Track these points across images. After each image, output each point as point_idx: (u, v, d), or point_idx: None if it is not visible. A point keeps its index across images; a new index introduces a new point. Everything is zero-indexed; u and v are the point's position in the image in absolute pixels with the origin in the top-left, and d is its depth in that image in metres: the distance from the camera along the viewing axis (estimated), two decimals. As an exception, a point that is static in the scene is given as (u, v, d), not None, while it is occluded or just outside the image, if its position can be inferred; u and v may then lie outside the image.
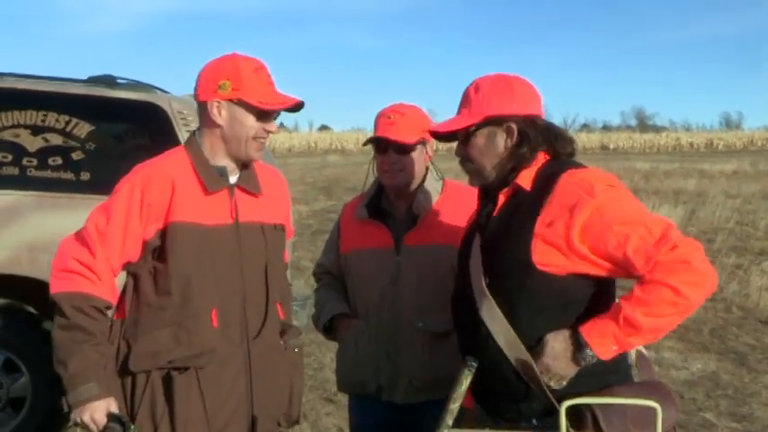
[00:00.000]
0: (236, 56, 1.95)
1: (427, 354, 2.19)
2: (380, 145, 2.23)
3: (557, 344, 1.62)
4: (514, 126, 1.73)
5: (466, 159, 1.80)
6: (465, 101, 1.80)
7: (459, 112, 1.81)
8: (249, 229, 1.96)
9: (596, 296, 1.66)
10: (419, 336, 2.20)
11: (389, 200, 2.31)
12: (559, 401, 1.57)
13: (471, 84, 1.81)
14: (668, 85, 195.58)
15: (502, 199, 1.76)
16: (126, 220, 1.86)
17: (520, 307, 1.66)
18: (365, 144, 2.31)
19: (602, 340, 1.58)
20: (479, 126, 1.75)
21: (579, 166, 1.72)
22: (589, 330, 1.60)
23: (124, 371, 1.86)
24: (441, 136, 1.86)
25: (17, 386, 3.70)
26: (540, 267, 1.63)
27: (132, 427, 1.77)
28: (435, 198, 2.28)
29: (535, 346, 1.64)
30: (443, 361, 2.13)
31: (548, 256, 1.63)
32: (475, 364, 1.56)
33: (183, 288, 1.85)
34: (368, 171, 2.37)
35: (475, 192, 2.18)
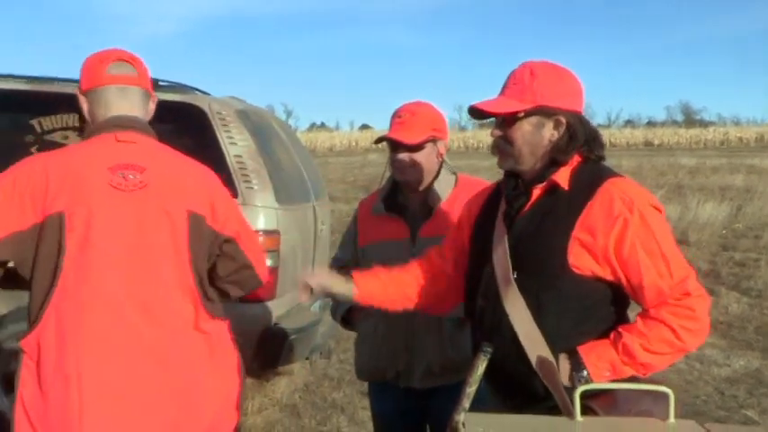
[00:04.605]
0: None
1: (444, 339, 2.28)
2: (392, 144, 2.32)
3: (562, 362, 1.67)
4: (564, 120, 1.72)
5: (506, 141, 1.76)
6: (515, 83, 1.75)
7: (505, 93, 1.77)
8: None
9: (616, 302, 1.70)
10: (435, 322, 2.27)
11: (405, 194, 2.40)
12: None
13: (523, 66, 1.77)
14: (716, 80, 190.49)
15: (536, 194, 1.75)
16: None
17: (548, 305, 1.68)
18: (377, 142, 2.42)
19: (599, 363, 1.63)
20: (529, 113, 1.72)
21: (616, 174, 1.74)
22: (587, 352, 1.65)
23: None
24: (482, 114, 1.79)
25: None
26: (574, 270, 1.66)
27: None
28: (449, 191, 2.36)
29: (559, 343, 1.67)
30: (460, 345, 2.22)
31: (582, 259, 1.66)
32: (490, 350, 1.60)
33: None
34: (385, 168, 2.48)
35: (486, 185, 2.18)
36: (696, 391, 4.73)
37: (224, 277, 1.92)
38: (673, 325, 1.60)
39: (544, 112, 1.73)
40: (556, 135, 1.73)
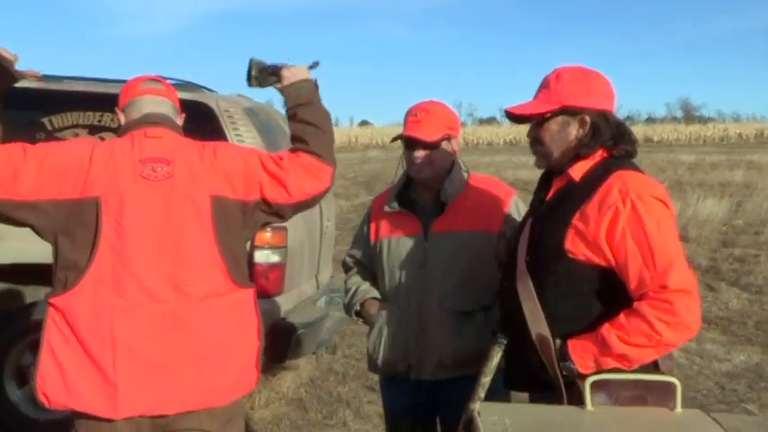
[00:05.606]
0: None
1: (455, 332, 2.33)
2: (408, 142, 2.37)
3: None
4: (588, 118, 1.83)
5: (537, 142, 1.91)
6: (544, 87, 1.89)
7: (536, 97, 1.91)
8: None
9: (616, 291, 1.75)
10: (447, 316, 2.34)
11: (417, 190, 2.46)
12: (567, 383, 1.70)
13: (552, 71, 1.90)
14: (716, 76, 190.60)
15: (556, 186, 1.88)
16: None
17: (548, 287, 1.79)
18: (393, 140, 2.47)
19: (583, 354, 1.72)
20: (555, 113, 1.85)
21: (632, 168, 1.82)
22: (574, 344, 1.73)
23: None
24: (514, 117, 1.94)
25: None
26: (570, 255, 1.75)
27: None
28: (461, 188, 2.41)
29: (558, 325, 1.76)
30: (470, 338, 2.30)
31: (577, 245, 1.75)
32: (504, 341, 1.67)
33: None
34: (398, 165, 2.53)
35: (498, 183, 2.34)
36: (697, 385, 4.78)
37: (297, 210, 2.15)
38: (649, 317, 1.66)
39: (569, 111, 1.84)
40: (582, 132, 1.84)
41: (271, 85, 2.18)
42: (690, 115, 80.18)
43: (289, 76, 2.14)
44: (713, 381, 4.88)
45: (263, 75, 2.17)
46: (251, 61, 2.16)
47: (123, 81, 4.04)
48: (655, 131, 54.74)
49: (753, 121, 68.38)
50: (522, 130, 2.05)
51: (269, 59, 2.21)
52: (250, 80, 2.18)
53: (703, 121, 71.11)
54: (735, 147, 40.18)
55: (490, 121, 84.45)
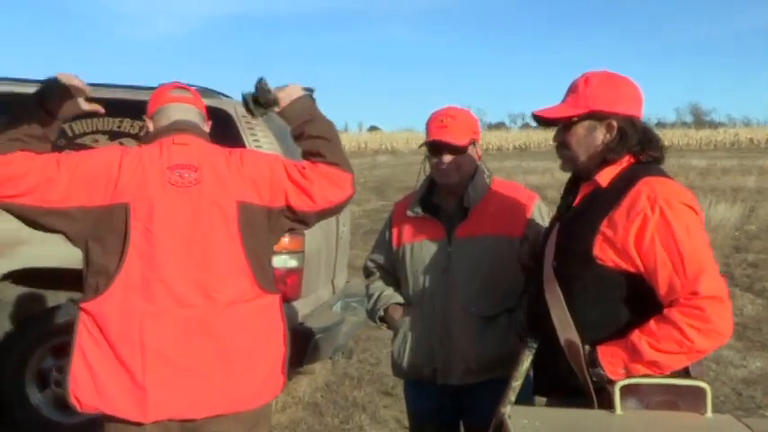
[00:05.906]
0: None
1: (479, 336, 2.35)
2: (435, 147, 2.39)
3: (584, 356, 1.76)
4: (615, 124, 1.84)
5: (563, 146, 1.92)
6: (572, 91, 1.90)
7: (564, 101, 1.91)
8: None
9: (646, 298, 1.75)
10: (471, 320, 2.35)
11: (441, 196, 2.48)
12: (596, 389, 1.70)
13: (581, 76, 1.91)
14: (726, 81, 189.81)
15: (583, 191, 1.89)
16: None
17: (577, 293, 1.79)
18: (421, 146, 2.49)
19: (613, 360, 1.72)
20: (582, 118, 1.86)
21: (659, 174, 1.82)
22: (604, 350, 1.74)
23: None
24: (541, 121, 1.95)
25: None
26: (598, 261, 1.76)
27: None
28: (484, 193, 2.43)
29: (587, 331, 1.76)
30: (493, 343, 2.32)
31: (605, 251, 1.75)
32: (535, 345, 1.68)
33: None
34: (420, 170, 2.56)
35: (520, 188, 2.36)
36: (713, 391, 4.70)
37: (321, 218, 2.18)
38: (680, 324, 1.66)
39: (596, 116, 1.85)
40: (608, 137, 1.85)
41: (270, 111, 2.19)
42: (700, 120, 79.84)
43: (285, 98, 2.15)
44: (729, 387, 4.86)
45: (259, 106, 2.18)
46: (244, 96, 2.17)
47: (143, 87, 4.15)
48: (665, 136, 51.95)
49: (764, 126, 67.93)
50: (533, 135, 2.07)
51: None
52: (250, 113, 2.20)
53: (714, 125, 70.82)
54: (746, 152, 39.99)
55: (499, 126, 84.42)
